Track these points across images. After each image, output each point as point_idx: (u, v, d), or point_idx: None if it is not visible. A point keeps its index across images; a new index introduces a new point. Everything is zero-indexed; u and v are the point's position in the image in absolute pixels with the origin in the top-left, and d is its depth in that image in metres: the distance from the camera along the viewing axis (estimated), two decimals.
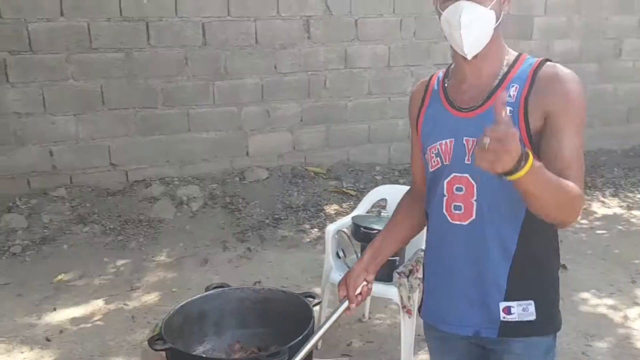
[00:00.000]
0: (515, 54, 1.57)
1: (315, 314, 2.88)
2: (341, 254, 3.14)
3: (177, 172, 5.42)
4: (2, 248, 4.37)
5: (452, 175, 1.57)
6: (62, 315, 3.57)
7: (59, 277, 4.03)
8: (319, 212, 5.10)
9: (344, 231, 3.16)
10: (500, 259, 1.55)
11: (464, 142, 1.55)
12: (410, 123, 1.76)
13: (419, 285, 2.91)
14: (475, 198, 1.54)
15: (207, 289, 2.94)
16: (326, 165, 5.92)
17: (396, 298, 2.92)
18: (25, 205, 4.82)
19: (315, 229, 4.85)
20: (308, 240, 4.71)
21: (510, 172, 1.25)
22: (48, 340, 3.29)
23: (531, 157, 1.27)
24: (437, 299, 1.70)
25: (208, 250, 4.48)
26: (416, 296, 2.91)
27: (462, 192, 1.56)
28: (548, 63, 1.51)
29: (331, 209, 5.16)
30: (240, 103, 5.55)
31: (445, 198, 1.59)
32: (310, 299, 2.74)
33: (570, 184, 1.38)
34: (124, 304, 3.69)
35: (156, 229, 4.76)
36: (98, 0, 4.90)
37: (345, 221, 3.29)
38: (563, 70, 1.49)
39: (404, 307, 2.92)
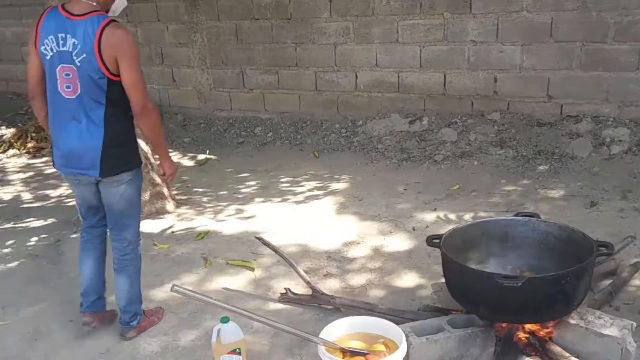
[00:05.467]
0: None
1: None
2: None
3: (614, 111, 5.13)
4: (429, 155, 5.26)
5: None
6: (434, 214, 4.21)
7: (455, 187, 4.64)
8: None
9: None
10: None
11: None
12: None
13: None
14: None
15: (516, 215, 3.10)
16: None
17: None
18: (462, 122, 5.54)
19: None
20: None
21: None
22: (414, 229, 4.00)
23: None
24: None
25: (603, 195, 4.27)
26: None
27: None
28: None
29: None
30: None
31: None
32: (602, 249, 2.60)
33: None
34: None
35: (564, 164, 4.78)
36: None
37: None
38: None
39: None
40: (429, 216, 4.18)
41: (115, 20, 2.61)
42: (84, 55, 2.53)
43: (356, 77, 6.06)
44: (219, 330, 2.57)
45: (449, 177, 4.86)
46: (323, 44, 6.12)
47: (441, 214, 4.19)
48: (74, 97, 2.60)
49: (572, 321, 2.59)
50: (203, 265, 3.66)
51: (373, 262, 3.60)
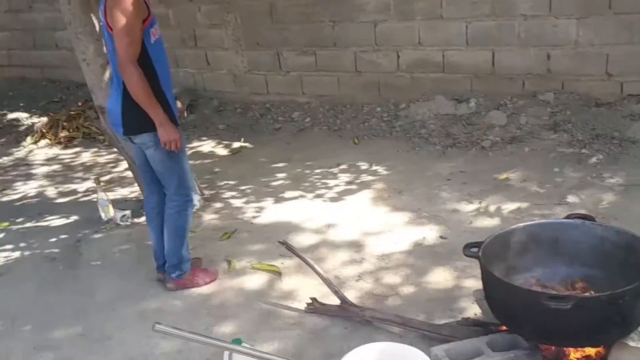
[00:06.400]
0: None
1: None
2: None
3: None
4: (476, 140, 4.88)
5: None
6: (479, 208, 3.87)
7: (503, 176, 4.27)
8: None
9: None
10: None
11: None
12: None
13: None
14: None
15: (567, 217, 2.76)
16: None
17: None
18: (512, 105, 5.12)
19: None
20: None
21: None
22: (457, 225, 3.69)
23: None
24: None
25: None
26: None
27: None
28: None
29: None
30: None
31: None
32: None
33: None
34: (534, 212, 3.66)
35: (624, 149, 4.33)
36: None
37: None
38: None
39: None
40: (474, 210, 3.84)
41: None
42: (103, 17, 2.82)
43: (398, 56, 5.68)
44: (230, 354, 2.35)
45: (497, 165, 4.48)
46: (362, 22, 5.75)
47: (487, 208, 3.85)
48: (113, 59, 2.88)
49: (631, 343, 2.26)
50: (226, 268, 3.46)
51: (410, 263, 3.32)
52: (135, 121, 2.88)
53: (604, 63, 4.87)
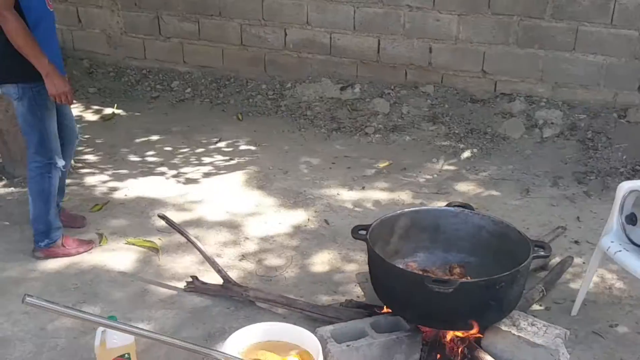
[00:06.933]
0: None
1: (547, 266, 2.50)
2: (621, 219, 2.53)
3: (547, 92, 4.98)
4: (360, 126, 4.94)
5: None
6: (362, 193, 3.93)
7: (385, 163, 4.36)
8: None
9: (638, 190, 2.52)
10: None
11: None
12: None
13: None
14: None
15: (448, 205, 2.85)
16: None
17: None
18: (395, 94, 5.23)
19: None
20: None
21: None
22: (340, 209, 3.69)
23: None
24: None
25: (534, 180, 4.12)
26: None
27: None
28: None
29: None
30: None
31: None
32: (539, 250, 2.42)
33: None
34: (413, 200, 3.79)
35: (495, 144, 4.59)
36: None
37: None
38: None
39: None
40: (357, 195, 3.88)
41: None
42: None
43: (285, 34, 5.58)
44: (103, 331, 2.17)
45: (379, 152, 4.56)
46: None
47: (369, 194, 3.90)
48: None
49: (503, 327, 2.39)
50: (97, 243, 3.20)
51: (294, 245, 3.27)
52: (2, 71, 2.75)
53: (481, 61, 5.12)
